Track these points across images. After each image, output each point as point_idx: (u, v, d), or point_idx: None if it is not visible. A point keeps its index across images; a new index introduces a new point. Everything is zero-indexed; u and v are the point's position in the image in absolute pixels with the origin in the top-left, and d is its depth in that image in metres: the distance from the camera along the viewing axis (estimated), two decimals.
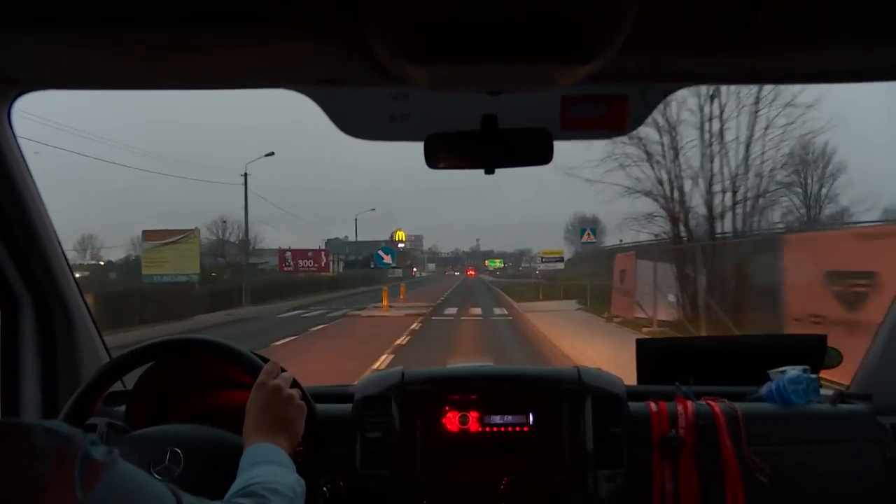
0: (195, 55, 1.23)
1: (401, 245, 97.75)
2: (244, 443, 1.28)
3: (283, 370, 1.44)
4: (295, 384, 1.44)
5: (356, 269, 70.03)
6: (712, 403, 1.85)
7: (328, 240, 78.81)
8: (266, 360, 1.54)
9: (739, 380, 1.99)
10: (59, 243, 1.76)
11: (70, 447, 0.73)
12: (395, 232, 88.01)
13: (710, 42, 1.19)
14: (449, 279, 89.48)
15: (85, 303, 1.88)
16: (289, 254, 57.19)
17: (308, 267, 54.30)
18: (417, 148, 1.55)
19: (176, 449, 1.37)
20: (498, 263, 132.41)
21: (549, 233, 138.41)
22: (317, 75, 1.36)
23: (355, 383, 1.94)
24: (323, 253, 57.93)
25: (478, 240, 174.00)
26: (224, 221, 54.37)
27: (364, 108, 1.56)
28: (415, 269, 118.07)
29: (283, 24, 1.09)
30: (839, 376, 2.15)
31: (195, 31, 1.11)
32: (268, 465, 1.20)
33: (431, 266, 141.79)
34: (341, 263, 73.26)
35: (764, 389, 1.92)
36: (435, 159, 1.54)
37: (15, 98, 1.51)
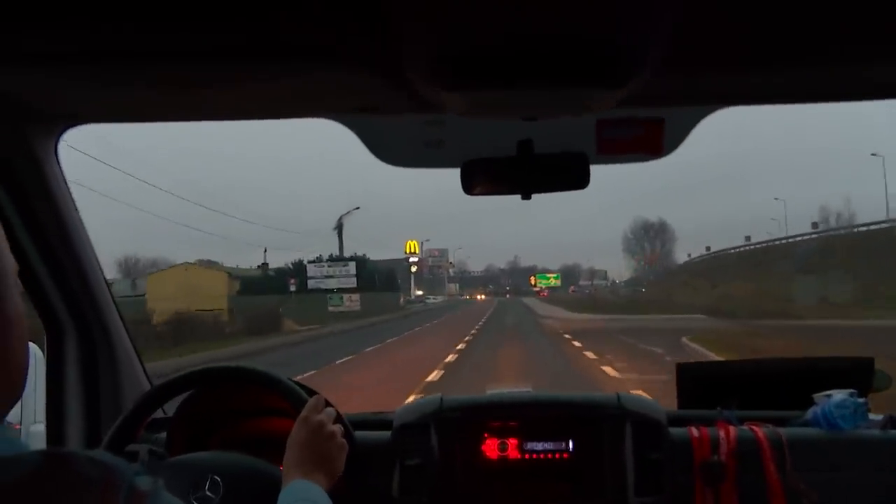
0: (234, 86, 1.26)
1: (413, 259, 68.90)
2: (283, 476, 1.29)
3: (327, 404, 1.44)
4: (339, 419, 1.44)
5: (261, 297, 35.90)
6: (756, 428, 1.81)
7: (311, 259, 43.12)
8: (308, 390, 1.55)
9: (783, 404, 1.94)
10: (102, 272, 1.80)
11: (115, 477, 0.73)
12: (406, 242, 63.65)
13: (746, 62, 1.18)
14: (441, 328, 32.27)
15: (127, 331, 1.91)
16: None
17: None
18: (449, 172, 1.55)
19: (216, 477, 1.37)
20: (553, 281, 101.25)
21: (600, 245, 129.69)
22: (352, 104, 1.37)
23: (395, 410, 1.93)
24: None
25: (516, 256, 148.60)
26: None
27: (399, 135, 1.57)
28: (419, 293, 77.59)
29: (318, 55, 1.10)
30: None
31: (233, 63, 1.13)
32: None
33: (453, 287, 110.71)
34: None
35: (809, 414, 1.87)
36: (472, 186, 1.55)
37: (62, 132, 1.56)
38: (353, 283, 39.44)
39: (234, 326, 30.60)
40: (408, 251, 67.33)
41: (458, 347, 19.57)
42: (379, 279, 49.47)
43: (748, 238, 66.89)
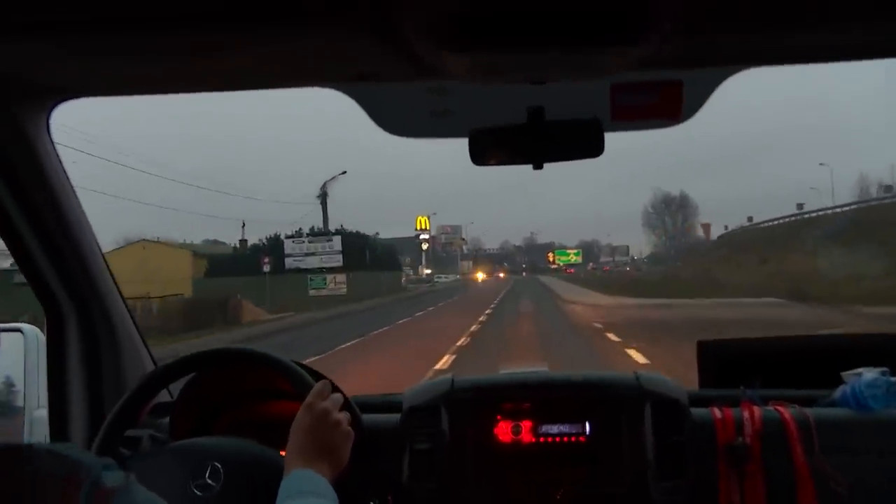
0: (230, 55, 1.21)
1: (423, 236, 65.61)
2: (285, 464, 1.24)
3: (334, 389, 1.38)
4: (346, 405, 1.38)
5: (232, 279, 30.40)
6: (781, 409, 1.74)
7: (290, 234, 36.43)
8: (315, 374, 1.50)
9: (810, 383, 1.87)
10: (101, 251, 1.76)
11: (77, 473, 0.70)
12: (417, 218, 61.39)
13: (767, 20, 1.11)
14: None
15: (129, 311, 1.87)
16: None
17: None
18: (462, 148, 1.49)
19: (216, 464, 1.34)
20: (573, 257, 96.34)
21: (618, 220, 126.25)
22: (353, 71, 1.32)
23: (404, 392, 1.88)
24: None
25: (532, 232, 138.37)
26: None
27: (404, 104, 1.51)
28: (427, 272, 71.01)
29: (316, 19, 1.05)
30: None
31: (229, 30, 1.09)
32: (310, 496, 1.16)
33: (466, 265, 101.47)
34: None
35: (838, 393, 1.80)
36: (481, 156, 1.49)
37: (53, 107, 1.51)
38: (338, 261, 33.03)
39: (174, 320, 22.99)
40: (419, 227, 62.82)
41: (441, 364, 12.24)
42: (373, 256, 41.18)
43: (800, 206, 56.99)
